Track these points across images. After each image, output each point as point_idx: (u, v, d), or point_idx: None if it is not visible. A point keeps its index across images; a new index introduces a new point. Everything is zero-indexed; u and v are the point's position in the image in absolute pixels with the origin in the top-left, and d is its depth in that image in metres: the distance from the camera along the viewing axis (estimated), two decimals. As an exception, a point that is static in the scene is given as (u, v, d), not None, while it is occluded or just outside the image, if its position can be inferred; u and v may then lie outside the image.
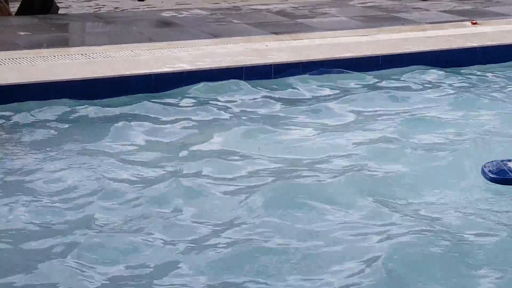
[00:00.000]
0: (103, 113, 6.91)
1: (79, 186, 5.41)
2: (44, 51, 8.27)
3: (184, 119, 6.84)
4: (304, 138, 6.47)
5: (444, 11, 11.07)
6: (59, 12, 11.06)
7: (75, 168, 5.68)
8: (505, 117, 6.88)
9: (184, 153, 6.09)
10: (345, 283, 4.28)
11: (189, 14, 10.77)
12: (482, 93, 7.72)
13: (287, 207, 5.10)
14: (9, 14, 10.65)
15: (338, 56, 8.35)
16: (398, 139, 6.33)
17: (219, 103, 7.24)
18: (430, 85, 7.96)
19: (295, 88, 7.75)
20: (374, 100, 7.46)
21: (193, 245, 4.66)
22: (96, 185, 5.40)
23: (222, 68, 7.76)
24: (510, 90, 7.89)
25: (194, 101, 7.29)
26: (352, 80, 8.02)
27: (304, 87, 7.77)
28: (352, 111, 7.17)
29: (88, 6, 12.02)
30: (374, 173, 5.71)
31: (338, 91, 7.71)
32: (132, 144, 6.26)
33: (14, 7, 11.17)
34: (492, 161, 5.45)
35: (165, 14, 10.80)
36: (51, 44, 8.74)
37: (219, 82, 7.56)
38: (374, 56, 8.40)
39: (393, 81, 8.07)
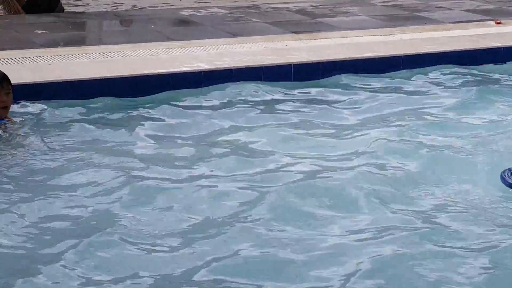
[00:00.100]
0: (119, 113, 6.82)
1: (96, 185, 5.32)
2: (61, 50, 8.19)
3: (202, 119, 6.76)
4: (325, 137, 6.39)
5: (468, 10, 10.93)
6: (76, 10, 11.01)
7: (92, 168, 5.59)
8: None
9: (201, 153, 6.00)
10: (352, 283, 4.22)
11: (208, 12, 10.68)
12: (507, 94, 7.59)
13: (300, 205, 5.07)
14: (19, 11, 10.56)
15: (360, 56, 8.24)
16: (420, 140, 6.22)
17: (238, 103, 7.14)
18: (453, 86, 7.84)
19: (315, 87, 7.63)
20: (396, 100, 7.36)
21: (200, 244, 4.62)
22: (112, 184, 5.32)
23: (241, 68, 7.66)
24: (536, 92, 7.78)
25: (212, 101, 7.20)
26: (373, 80, 7.90)
27: (324, 87, 7.65)
28: (374, 111, 7.09)
29: (106, 4, 11.98)
30: (395, 173, 5.63)
31: (358, 91, 7.60)
32: (147, 145, 6.17)
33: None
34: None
35: (183, 12, 10.72)
36: (68, 43, 8.68)
37: (238, 82, 7.46)
38: (397, 56, 8.27)
39: (415, 81, 7.96)
